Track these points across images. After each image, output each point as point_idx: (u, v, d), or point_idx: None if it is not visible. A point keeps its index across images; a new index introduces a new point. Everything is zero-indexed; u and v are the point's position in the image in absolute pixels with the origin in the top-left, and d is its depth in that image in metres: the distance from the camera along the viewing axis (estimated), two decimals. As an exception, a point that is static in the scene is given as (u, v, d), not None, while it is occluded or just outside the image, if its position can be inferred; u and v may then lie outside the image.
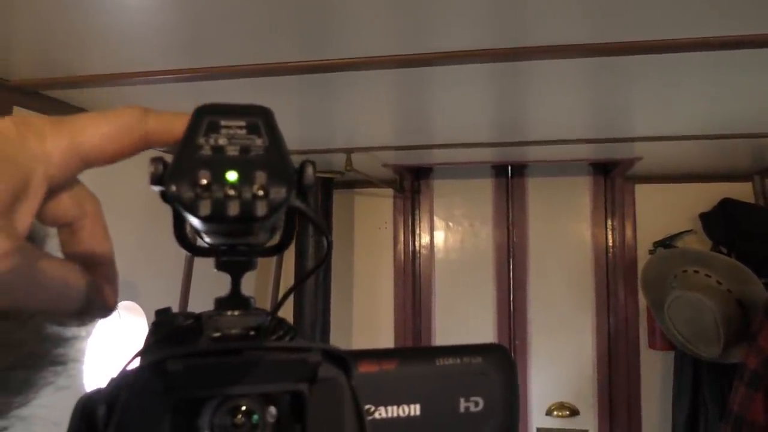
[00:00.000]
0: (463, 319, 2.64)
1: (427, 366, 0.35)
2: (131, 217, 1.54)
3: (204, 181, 0.28)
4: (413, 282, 2.69)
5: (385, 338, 2.65)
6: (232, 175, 0.28)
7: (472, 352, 0.35)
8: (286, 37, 1.02)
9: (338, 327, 2.52)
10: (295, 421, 0.29)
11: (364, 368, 0.33)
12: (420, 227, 2.72)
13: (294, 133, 1.78)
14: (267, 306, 2.53)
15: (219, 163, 0.28)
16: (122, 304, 1.56)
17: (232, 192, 0.28)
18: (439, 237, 2.71)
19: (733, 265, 2.00)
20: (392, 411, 0.33)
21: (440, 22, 0.95)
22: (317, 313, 2.34)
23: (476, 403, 0.35)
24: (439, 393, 0.34)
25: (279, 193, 0.28)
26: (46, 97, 1.29)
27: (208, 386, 0.28)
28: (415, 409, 0.33)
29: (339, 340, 2.55)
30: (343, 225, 2.66)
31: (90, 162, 0.31)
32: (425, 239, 2.72)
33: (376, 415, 0.33)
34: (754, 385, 1.63)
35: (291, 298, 2.39)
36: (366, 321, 2.70)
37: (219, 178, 0.28)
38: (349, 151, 1.95)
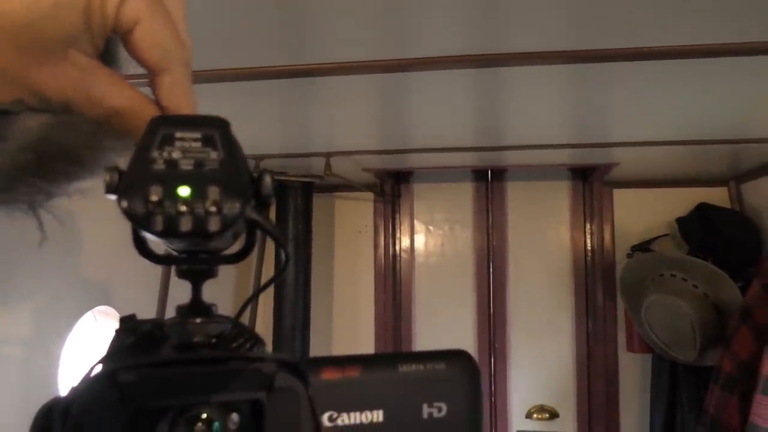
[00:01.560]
0: (443, 322, 2.65)
1: (390, 372, 0.35)
2: (106, 222, 1.53)
3: (155, 197, 0.28)
4: (393, 286, 2.69)
5: (365, 341, 2.65)
6: (184, 191, 0.28)
7: (436, 358, 0.35)
8: (266, 42, 1.01)
9: (318, 331, 2.51)
10: (254, 429, 0.29)
11: (327, 375, 0.33)
12: (400, 231, 2.73)
13: (273, 137, 1.77)
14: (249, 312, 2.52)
15: (172, 177, 0.28)
16: (98, 309, 1.54)
17: (184, 208, 0.28)
18: (420, 241, 2.72)
19: (710, 270, 2.03)
20: (355, 417, 0.33)
21: (420, 28, 0.95)
22: (297, 317, 2.33)
23: (440, 409, 0.35)
24: (403, 399, 0.34)
25: (233, 208, 0.28)
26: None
27: (163, 396, 0.28)
28: (378, 416, 0.33)
29: (319, 343, 2.55)
30: (323, 229, 2.65)
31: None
32: (405, 243, 2.72)
33: (339, 422, 0.33)
34: (729, 388, 1.65)
35: (271, 302, 2.38)
36: (346, 325, 2.70)
37: (171, 194, 0.28)
38: (328, 155, 1.94)
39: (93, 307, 1.54)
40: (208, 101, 1.32)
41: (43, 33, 0.29)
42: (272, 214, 2.46)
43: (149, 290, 1.80)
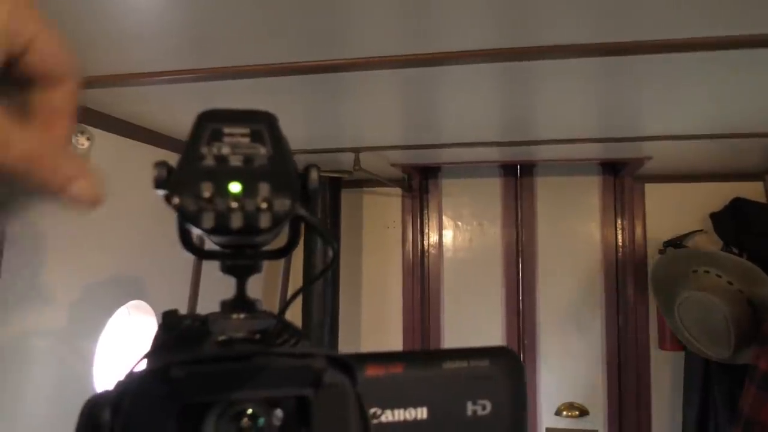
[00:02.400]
0: (472, 318, 2.64)
1: (434, 369, 0.34)
2: (139, 215, 1.55)
3: (207, 194, 0.28)
4: (422, 281, 2.68)
5: (393, 337, 2.65)
6: (235, 187, 0.28)
7: (480, 355, 0.35)
8: (294, 37, 1.01)
9: (347, 326, 2.52)
10: (300, 424, 0.29)
11: (371, 372, 0.33)
12: (428, 226, 2.72)
13: (302, 133, 1.78)
14: (275, 306, 2.54)
15: (222, 174, 0.28)
16: (131, 303, 1.56)
17: (235, 204, 0.28)
18: (448, 236, 2.71)
19: (744, 266, 1.99)
20: (399, 414, 0.33)
21: (448, 22, 0.94)
22: (325, 313, 2.34)
23: (484, 407, 0.34)
24: (447, 396, 0.34)
25: (283, 205, 0.28)
26: (56, 97, 1.29)
27: (212, 391, 0.28)
28: (422, 413, 0.33)
29: (347, 339, 2.56)
30: (351, 224, 2.66)
31: None
32: (434, 238, 2.71)
33: (383, 419, 0.33)
34: (766, 387, 1.61)
35: (300, 297, 2.39)
36: (374, 320, 2.70)
37: (222, 190, 0.28)
38: (357, 151, 1.95)
39: (126, 302, 1.56)
40: (238, 97, 1.34)
41: None
42: (301, 209, 2.47)
43: (182, 284, 1.83)
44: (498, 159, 2.46)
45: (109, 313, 1.50)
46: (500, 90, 1.37)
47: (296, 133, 1.75)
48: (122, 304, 1.54)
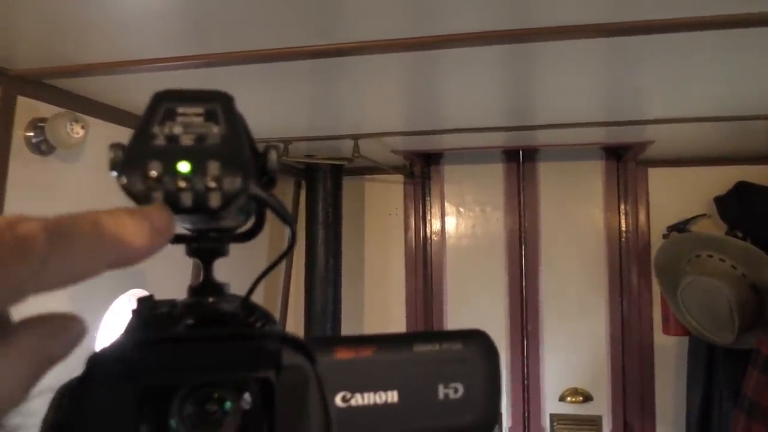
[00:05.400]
0: (475, 305, 2.64)
1: (404, 352, 0.34)
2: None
3: (154, 173, 0.27)
4: (424, 268, 2.68)
5: (396, 325, 2.65)
6: (184, 167, 0.28)
7: (452, 338, 0.35)
8: (293, 22, 1.01)
9: (349, 314, 2.52)
10: (262, 407, 0.29)
11: (341, 354, 0.32)
12: (431, 213, 2.71)
13: (301, 120, 1.77)
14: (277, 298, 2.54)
15: (172, 153, 0.28)
16: (132, 292, 1.57)
17: (183, 184, 0.27)
18: (451, 223, 2.70)
19: (748, 250, 1.97)
20: (369, 398, 0.32)
21: (450, 4, 0.93)
22: (328, 300, 2.34)
23: (456, 390, 0.34)
24: (418, 379, 0.33)
25: (233, 183, 0.27)
26: (49, 86, 1.29)
27: (170, 373, 0.28)
28: (392, 396, 0.33)
29: (350, 327, 2.56)
30: (353, 212, 2.65)
31: None
32: (436, 225, 2.71)
33: (353, 402, 0.32)
34: (768, 371, 1.61)
35: (302, 285, 2.39)
36: (377, 308, 2.70)
37: (170, 170, 0.27)
38: (356, 138, 1.94)
39: (127, 291, 1.56)
40: (235, 84, 1.33)
41: None
42: (302, 197, 2.47)
43: (182, 272, 1.82)
44: (500, 144, 2.44)
45: (110, 301, 1.50)
46: (502, 73, 1.36)
47: (296, 119, 1.74)
48: (122, 293, 1.55)
